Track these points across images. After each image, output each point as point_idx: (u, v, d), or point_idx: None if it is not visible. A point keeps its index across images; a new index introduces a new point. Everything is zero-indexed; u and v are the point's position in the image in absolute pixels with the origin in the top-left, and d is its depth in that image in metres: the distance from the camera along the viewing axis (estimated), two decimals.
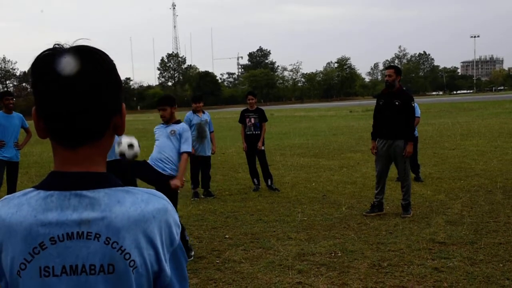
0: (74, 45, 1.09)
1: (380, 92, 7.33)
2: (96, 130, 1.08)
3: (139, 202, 1.07)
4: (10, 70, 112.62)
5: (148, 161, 5.45)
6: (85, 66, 1.05)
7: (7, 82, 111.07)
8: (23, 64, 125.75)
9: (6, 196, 1.11)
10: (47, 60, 1.05)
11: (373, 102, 7.54)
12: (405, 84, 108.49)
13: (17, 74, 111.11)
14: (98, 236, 1.03)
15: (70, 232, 1.03)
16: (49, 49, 1.07)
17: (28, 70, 1.16)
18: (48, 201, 1.04)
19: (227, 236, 6.23)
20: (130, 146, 5.17)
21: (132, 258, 1.04)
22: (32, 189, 1.08)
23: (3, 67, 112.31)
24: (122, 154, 5.15)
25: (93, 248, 1.03)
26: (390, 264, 4.98)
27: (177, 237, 1.14)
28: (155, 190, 1.13)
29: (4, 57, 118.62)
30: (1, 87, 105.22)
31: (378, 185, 7.12)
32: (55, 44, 1.08)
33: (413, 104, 6.91)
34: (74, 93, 1.03)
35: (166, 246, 1.11)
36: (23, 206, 1.05)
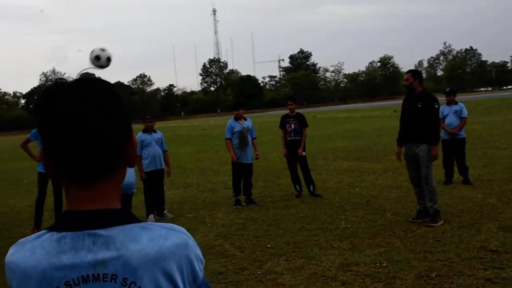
0: (77, 77, 1.07)
1: (405, 97, 7.20)
2: (109, 163, 1.04)
3: (157, 238, 1.02)
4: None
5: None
6: (91, 98, 1.02)
7: None
8: (71, 74, 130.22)
9: (20, 240, 1.08)
10: (53, 96, 1.03)
11: None
12: (451, 81, 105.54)
13: None
14: (114, 277, 0.99)
15: (85, 274, 0.99)
16: (52, 85, 1.05)
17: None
18: (61, 243, 1.00)
19: (269, 246, 6.15)
20: (103, 50, 5.25)
21: None
22: (45, 231, 1.05)
23: (53, 78, 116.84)
24: (97, 57, 5.17)
25: None
26: (438, 275, 4.76)
27: (201, 273, 1.08)
28: (174, 225, 1.08)
29: (54, 69, 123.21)
30: None
31: (415, 190, 6.97)
32: (57, 79, 1.06)
33: (436, 106, 6.78)
34: (84, 127, 1.00)
35: (189, 283, 1.05)
36: (36, 250, 1.02)
